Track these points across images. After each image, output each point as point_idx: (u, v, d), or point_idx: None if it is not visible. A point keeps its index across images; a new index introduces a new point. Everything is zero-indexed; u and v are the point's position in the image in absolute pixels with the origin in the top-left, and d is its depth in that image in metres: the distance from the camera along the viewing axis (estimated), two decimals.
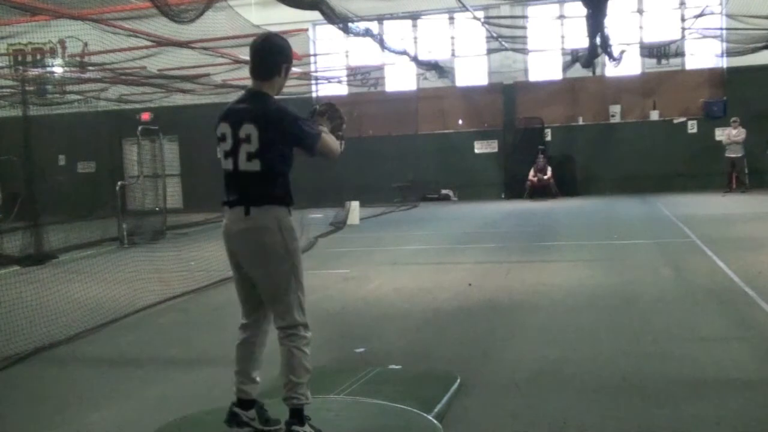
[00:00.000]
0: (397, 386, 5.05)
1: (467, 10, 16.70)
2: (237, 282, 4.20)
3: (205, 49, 13.93)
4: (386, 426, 4.43)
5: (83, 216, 18.38)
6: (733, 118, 20.45)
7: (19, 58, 19.40)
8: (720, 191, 20.08)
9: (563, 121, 23.11)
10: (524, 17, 22.56)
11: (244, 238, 3.98)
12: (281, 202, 3.99)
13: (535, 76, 23.74)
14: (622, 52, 20.08)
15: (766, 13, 14.40)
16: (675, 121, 22.38)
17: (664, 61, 21.97)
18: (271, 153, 3.94)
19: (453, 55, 23.97)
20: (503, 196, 22.89)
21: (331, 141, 4.15)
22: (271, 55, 4.07)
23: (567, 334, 6.46)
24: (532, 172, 22.13)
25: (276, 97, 4.12)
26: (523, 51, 21.82)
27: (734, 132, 20.34)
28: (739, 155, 20.36)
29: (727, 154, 20.46)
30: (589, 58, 18.90)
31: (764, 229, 12.64)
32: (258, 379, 4.19)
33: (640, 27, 22.60)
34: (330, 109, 4.35)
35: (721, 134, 21.35)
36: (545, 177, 21.96)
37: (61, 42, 16.13)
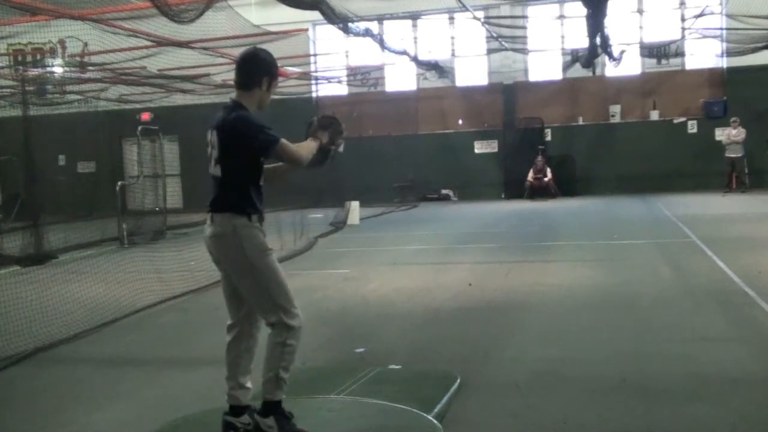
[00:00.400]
0: (397, 386, 5.05)
1: (467, 10, 16.70)
2: (222, 282, 4.29)
3: (205, 49, 13.94)
4: (386, 426, 4.43)
5: (83, 216, 18.39)
6: (733, 118, 20.46)
7: (19, 58, 19.40)
8: (720, 191, 20.08)
9: (563, 121, 23.11)
10: (524, 17, 22.57)
11: (211, 243, 4.13)
12: (239, 210, 4.04)
13: (535, 76, 23.74)
14: (622, 52, 20.08)
15: (766, 13, 14.41)
16: (675, 121, 22.38)
17: (664, 61, 21.98)
18: (229, 159, 4.04)
19: (453, 55, 23.97)
20: (503, 196, 22.90)
21: (296, 149, 4.15)
22: (252, 67, 4.17)
23: (567, 334, 6.46)
24: (531, 173, 22.13)
25: (261, 108, 4.19)
26: (523, 51, 21.82)
27: (734, 132, 20.34)
28: (739, 155, 20.37)
29: (726, 154, 20.47)
30: (589, 58, 18.90)
31: (764, 229, 12.64)
32: (248, 384, 4.19)
33: (640, 27, 22.61)
34: (333, 123, 4.39)
35: (721, 134, 21.35)
36: (545, 179, 21.94)
37: (61, 42, 16.13)
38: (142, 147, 17.18)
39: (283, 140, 4.09)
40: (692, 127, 22.30)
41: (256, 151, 4.05)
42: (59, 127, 19.09)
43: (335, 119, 4.43)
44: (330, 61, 22.09)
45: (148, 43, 13.25)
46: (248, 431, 4.11)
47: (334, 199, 18.57)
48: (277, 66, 4.29)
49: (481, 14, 19.28)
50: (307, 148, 4.22)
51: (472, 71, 23.85)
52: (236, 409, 4.14)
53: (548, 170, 22.01)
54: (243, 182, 4.07)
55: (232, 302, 4.21)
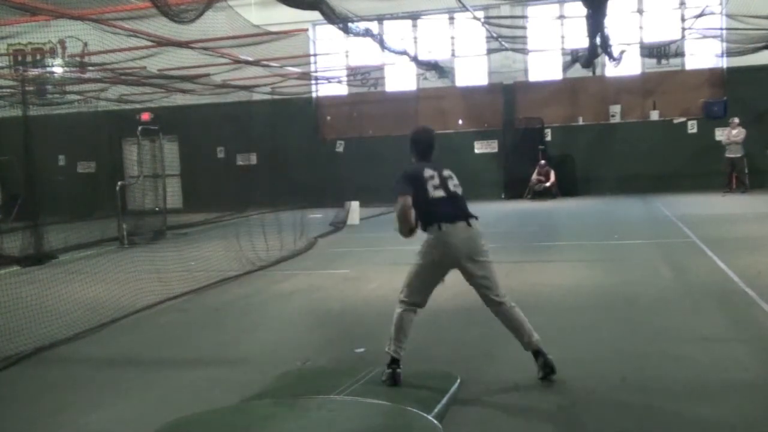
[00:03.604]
0: (397, 386, 5.04)
1: (467, 10, 16.69)
2: (431, 277, 5.47)
3: (205, 49, 13.93)
4: (386, 426, 4.43)
5: (83, 216, 18.40)
6: (732, 119, 20.42)
7: (19, 58, 19.41)
8: (720, 191, 20.07)
9: (563, 121, 23.10)
10: (524, 17, 22.55)
11: (468, 242, 5.29)
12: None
13: (535, 76, 23.72)
14: (622, 52, 20.07)
15: (766, 13, 14.41)
16: (675, 121, 22.38)
17: (664, 61, 21.98)
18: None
19: (453, 55, 23.96)
20: (503, 196, 22.88)
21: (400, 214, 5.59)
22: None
23: (567, 334, 6.46)
24: (534, 175, 22.07)
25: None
26: (523, 51, 21.81)
27: (734, 132, 20.33)
28: (739, 155, 20.35)
29: (726, 155, 20.45)
30: (589, 58, 18.89)
31: (764, 229, 12.64)
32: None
33: (640, 27, 22.59)
34: None
35: (721, 134, 21.35)
36: (547, 184, 21.88)
37: (61, 42, 16.15)
38: (142, 147, 17.18)
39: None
40: (692, 127, 22.29)
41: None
42: (59, 127, 19.09)
43: None
44: (330, 61, 22.08)
45: (148, 43, 13.25)
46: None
47: (334, 199, 18.57)
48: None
49: (481, 14, 19.27)
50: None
51: (472, 71, 23.84)
52: (397, 362, 5.09)
53: (552, 174, 21.92)
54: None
55: (430, 290, 5.47)
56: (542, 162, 21.93)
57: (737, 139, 20.20)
